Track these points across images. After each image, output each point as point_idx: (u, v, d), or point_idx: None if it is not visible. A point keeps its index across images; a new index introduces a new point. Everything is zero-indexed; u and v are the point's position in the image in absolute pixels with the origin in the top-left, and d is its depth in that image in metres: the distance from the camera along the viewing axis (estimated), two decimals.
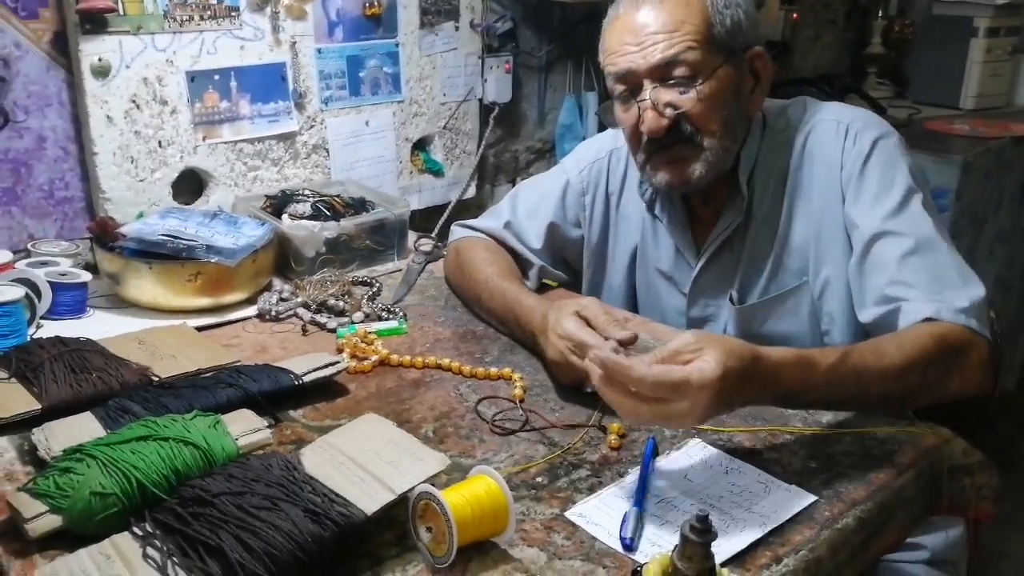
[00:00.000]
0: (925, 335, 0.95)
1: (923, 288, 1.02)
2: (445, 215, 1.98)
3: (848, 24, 3.24)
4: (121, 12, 1.40)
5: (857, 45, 3.24)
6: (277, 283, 1.41)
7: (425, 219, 1.98)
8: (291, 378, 1.04)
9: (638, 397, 0.79)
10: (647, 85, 1.09)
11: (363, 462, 0.82)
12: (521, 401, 1.06)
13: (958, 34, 2.68)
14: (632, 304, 1.37)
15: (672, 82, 1.09)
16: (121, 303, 1.31)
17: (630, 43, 1.09)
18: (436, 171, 1.97)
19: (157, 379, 1.05)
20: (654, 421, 0.83)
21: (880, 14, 3.12)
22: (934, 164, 2.17)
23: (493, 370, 1.13)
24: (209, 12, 1.48)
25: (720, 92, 1.10)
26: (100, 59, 1.39)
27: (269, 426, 0.96)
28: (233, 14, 1.52)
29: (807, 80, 2.78)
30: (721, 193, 1.19)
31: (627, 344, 1.01)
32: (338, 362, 1.09)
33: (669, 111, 1.09)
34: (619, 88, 1.13)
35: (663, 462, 0.92)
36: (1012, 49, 2.74)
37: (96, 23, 1.38)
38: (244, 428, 0.91)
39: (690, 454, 0.93)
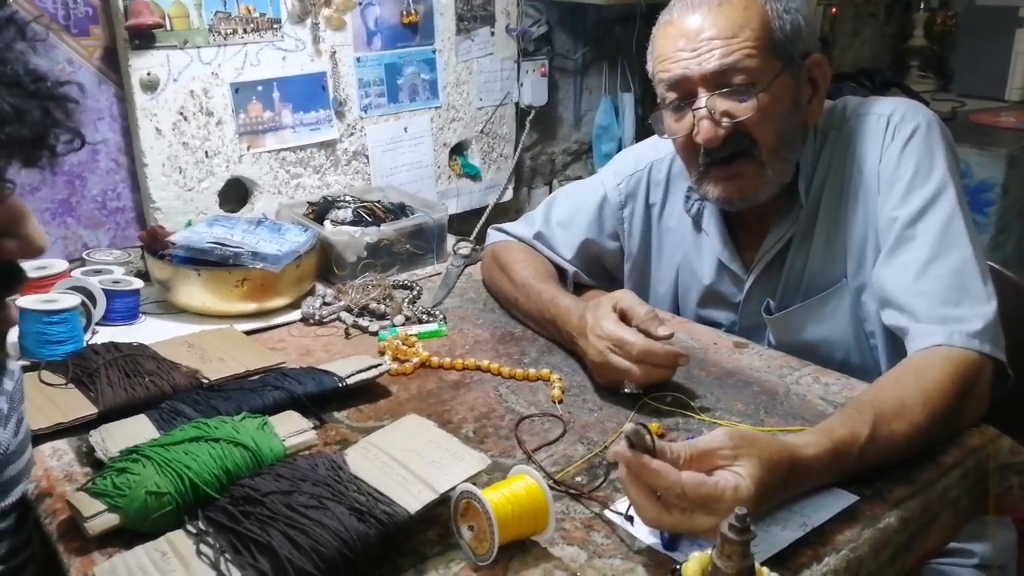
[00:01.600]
0: (946, 379, 0.91)
1: (939, 299, 0.99)
2: (483, 218, 2.00)
3: (889, 17, 3.19)
4: (168, 27, 1.45)
5: (898, 38, 3.19)
6: (320, 288, 1.44)
7: (463, 223, 2.00)
8: (335, 380, 1.06)
9: (663, 502, 0.74)
10: (702, 93, 1.05)
11: (406, 462, 0.84)
12: (560, 402, 1.07)
13: (1002, 24, 2.62)
14: (677, 314, 1.36)
15: (728, 90, 1.05)
16: (171, 309, 1.35)
17: (684, 49, 1.05)
18: (474, 175, 1.99)
19: (207, 381, 1.08)
20: (675, 531, 0.77)
21: (922, 6, 3.07)
22: (979, 157, 2.13)
23: (532, 371, 1.14)
24: (252, 25, 1.52)
25: (779, 101, 1.06)
26: (149, 73, 1.44)
27: (314, 427, 0.98)
28: (275, 26, 1.56)
29: (847, 75, 2.73)
30: (775, 203, 1.15)
31: (665, 340, 1.01)
32: (380, 364, 1.11)
33: (726, 120, 1.05)
34: (671, 96, 1.09)
35: None
36: None
37: (144, 39, 1.43)
38: (290, 429, 0.94)
39: None
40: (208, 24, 1.49)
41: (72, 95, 0.60)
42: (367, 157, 1.78)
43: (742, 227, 1.23)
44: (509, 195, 2.10)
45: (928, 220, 1.04)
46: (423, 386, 1.13)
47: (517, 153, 2.08)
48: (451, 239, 1.63)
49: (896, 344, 1.08)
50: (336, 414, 1.05)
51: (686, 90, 1.08)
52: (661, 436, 0.99)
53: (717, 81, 1.05)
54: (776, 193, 1.14)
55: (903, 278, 1.03)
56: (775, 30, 1.05)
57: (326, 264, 1.47)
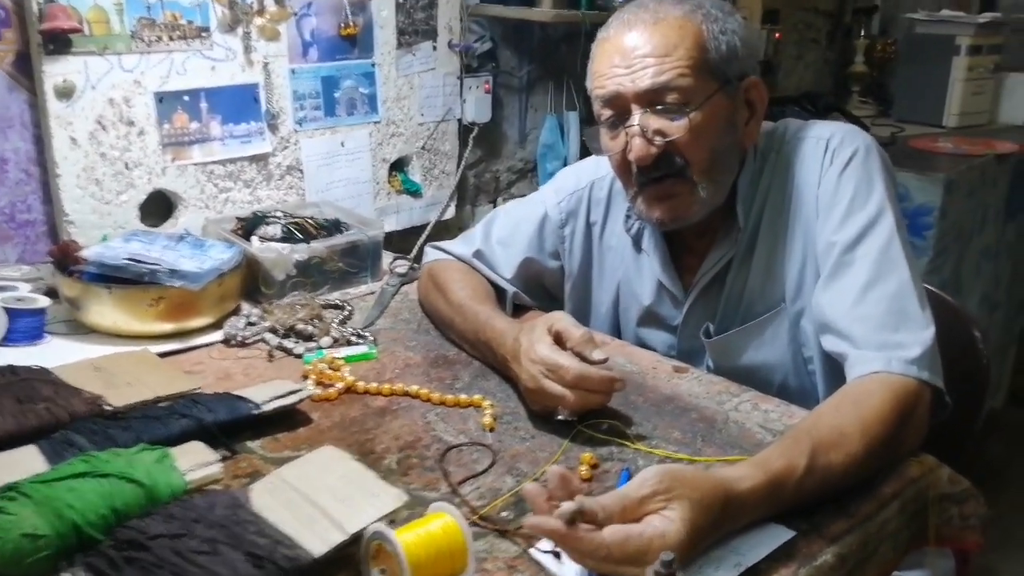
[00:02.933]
0: (885, 407, 0.89)
1: (877, 324, 0.98)
2: (423, 236, 1.95)
3: (831, 43, 3.24)
4: (87, 33, 1.37)
5: (840, 64, 3.25)
6: (247, 307, 1.37)
7: (403, 240, 1.94)
8: (250, 407, 1.00)
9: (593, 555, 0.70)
10: (635, 110, 1.05)
11: (316, 499, 0.78)
12: (491, 430, 1.02)
13: (940, 52, 2.68)
14: (618, 336, 1.33)
15: (661, 108, 1.04)
16: (80, 329, 1.27)
17: (619, 66, 1.05)
18: (414, 192, 1.94)
19: (110, 408, 1.00)
20: (603, 573, 0.72)
21: (863, 33, 3.13)
22: (917, 182, 2.16)
23: (463, 397, 1.09)
24: (178, 32, 1.45)
25: (712, 122, 1.05)
26: (64, 80, 1.36)
27: (225, 458, 0.92)
28: (203, 35, 1.49)
29: (790, 99, 2.77)
30: (715, 225, 1.15)
31: (600, 365, 0.98)
32: (300, 390, 1.05)
33: (658, 139, 1.05)
34: (606, 113, 1.09)
35: None
36: (994, 67, 2.74)
37: (60, 44, 1.34)
38: (194, 462, 0.87)
39: None
40: (130, 30, 1.41)
41: None
42: (302, 172, 1.71)
43: (683, 248, 1.22)
44: (451, 213, 2.06)
45: (866, 245, 1.03)
46: (347, 413, 1.07)
47: (460, 170, 2.03)
48: (388, 257, 1.58)
49: (834, 369, 1.06)
50: (250, 443, 0.99)
51: (620, 107, 1.07)
52: (595, 467, 0.95)
53: (650, 99, 1.04)
54: (715, 215, 1.13)
55: (842, 303, 1.02)
56: (710, 51, 1.04)
57: (254, 282, 1.40)
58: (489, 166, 2.20)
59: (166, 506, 0.76)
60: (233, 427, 0.98)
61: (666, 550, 0.66)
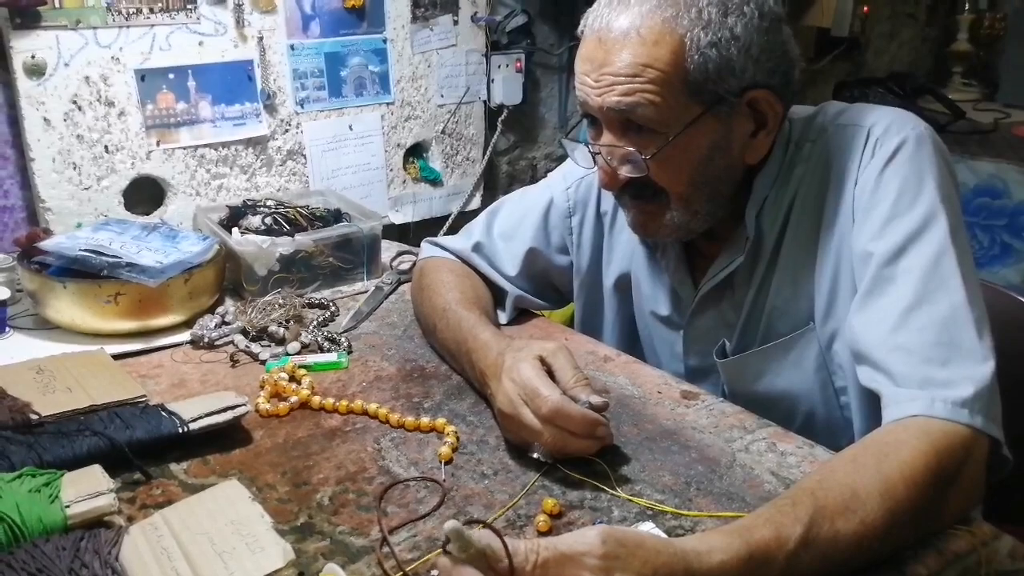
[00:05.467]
0: (919, 462, 0.71)
1: (921, 356, 0.78)
2: (445, 228, 1.81)
3: (931, 19, 2.93)
4: (57, 5, 1.28)
5: (940, 42, 2.94)
6: (230, 304, 1.26)
7: (425, 231, 1.81)
8: (175, 425, 0.88)
9: None
10: (604, 126, 0.92)
11: (190, 550, 0.66)
12: (447, 462, 0.88)
13: None
14: (630, 344, 1.16)
15: (633, 129, 0.90)
16: (46, 324, 1.19)
17: (588, 73, 0.90)
18: (433, 180, 1.80)
19: (36, 417, 0.91)
20: None
21: (967, 7, 2.82)
22: (1019, 175, 1.88)
23: (425, 421, 0.94)
24: (160, 4, 1.35)
25: (692, 149, 0.89)
26: (34, 56, 1.28)
27: (139, 483, 0.81)
28: (189, 6, 1.38)
29: (875, 80, 2.49)
30: (726, 228, 0.99)
31: (600, 410, 0.83)
32: (239, 406, 0.93)
33: (625, 169, 0.92)
34: (583, 109, 0.95)
35: None
36: None
37: (28, 17, 1.26)
38: (82, 491, 0.75)
39: None
40: (106, 2, 1.31)
41: None
42: (305, 157, 1.59)
43: (697, 253, 1.04)
44: (477, 202, 1.91)
45: (911, 257, 0.83)
46: (293, 433, 0.94)
47: (486, 157, 1.88)
48: (394, 251, 1.44)
49: (873, 404, 0.87)
50: (174, 466, 0.87)
51: (590, 113, 0.93)
52: (558, 516, 0.79)
53: (618, 118, 0.90)
54: (725, 217, 0.97)
55: (878, 329, 0.83)
56: (690, 70, 0.85)
57: (239, 278, 1.30)
58: (524, 152, 2.03)
59: (11, 552, 0.65)
60: (156, 446, 0.87)
61: None
